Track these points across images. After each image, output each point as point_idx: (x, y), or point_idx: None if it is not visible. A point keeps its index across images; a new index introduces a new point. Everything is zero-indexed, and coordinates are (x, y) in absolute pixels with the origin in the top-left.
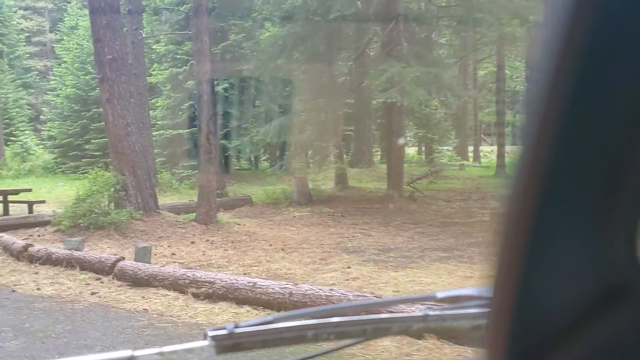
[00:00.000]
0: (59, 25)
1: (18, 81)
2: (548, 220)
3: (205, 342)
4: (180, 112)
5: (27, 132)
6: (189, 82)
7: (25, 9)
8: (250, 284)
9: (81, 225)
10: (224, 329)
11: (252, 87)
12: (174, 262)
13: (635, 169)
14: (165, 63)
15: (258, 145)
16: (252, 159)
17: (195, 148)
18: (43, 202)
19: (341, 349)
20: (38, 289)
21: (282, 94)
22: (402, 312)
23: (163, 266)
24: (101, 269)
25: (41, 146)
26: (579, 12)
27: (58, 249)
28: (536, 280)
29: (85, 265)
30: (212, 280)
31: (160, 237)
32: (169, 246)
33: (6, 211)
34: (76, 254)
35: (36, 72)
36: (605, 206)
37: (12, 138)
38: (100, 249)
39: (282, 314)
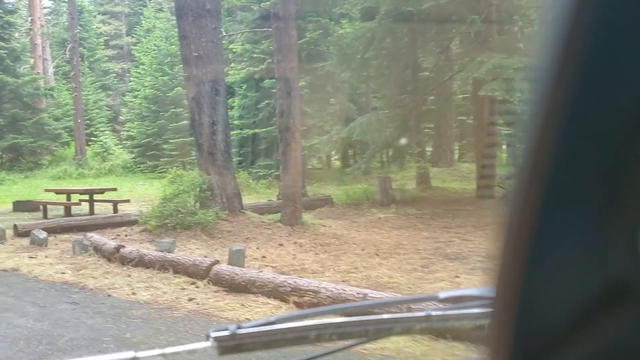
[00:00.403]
0: (136, 28)
1: (97, 83)
2: (551, 219)
3: (208, 343)
4: (257, 112)
5: (106, 132)
6: (265, 81)
7: (104, 13)
8: (360, 295)
9: (168, 225)
10: (226, 329)
11: (328, 85)
12: (266, 265)
13: (639, 168)
14: (242, 62)
15: (337, 144)
16: (323, 158)
17: (271, 147)
18: (127, 201)
19: (344, 349)
20: (133, 293)
21: (360, 91)
22: (405, 312)
23: (261, 271)
24: (195, 273)
25: (120, 146)
26: (579, 10)
27: (150, 251)
28: (539, 280)
29: (178, 269)
30: (316, 289)
31: (247, 239)
32: (257, 248)
33: (92, 210)
34: (169, 256)
35: (114, 75)
36: (608, 205)
37: (92, 138)
38: (189, 250)
39: (284, 314)
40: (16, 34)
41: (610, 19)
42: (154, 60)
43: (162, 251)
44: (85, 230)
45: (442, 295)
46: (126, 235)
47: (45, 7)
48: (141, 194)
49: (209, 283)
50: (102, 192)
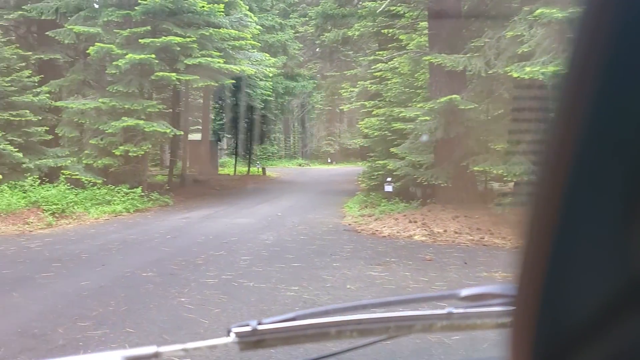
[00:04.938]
0: None
1: None
2: (573, 218)
3: (229, 339)
4: None
5: None
6: None
7: None
8: None
9: None
10: (247, 325)
11: None
12: None
13: None
14: None
15: None
16: None
17: None
18: None
19: (365, 346)
20: None
21: None
22: (425, 309)
23: None
24: None
25: None
26: (601, 16)
27: None
28: (561, 279)
29: None
30: None
31: None
32: None
33: None
34: None
35: None
36: (630, 205)
37: None
38: None
39: (304, 310)
40: None
41: (631, 23)
42: None
43: None
44: None
45: (464, 293)
46: None
47: None
48: None
49: None
50: None
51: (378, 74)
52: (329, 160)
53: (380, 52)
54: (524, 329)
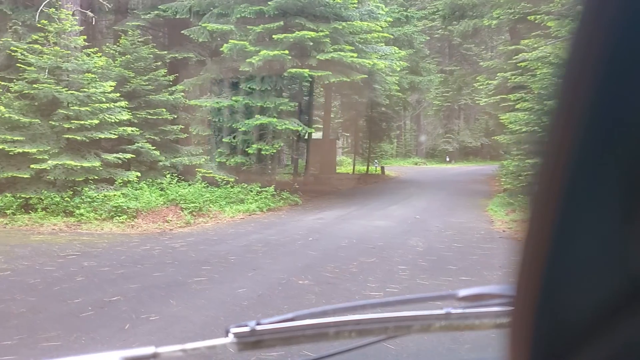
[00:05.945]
0: None
1: None
2: (572, 217)
3: (227, 339)
4: None
5: None
6: None
7: None
8: None
9: None
10: (246, 325)
11: None
12: None
13: None
14: None
15: None
16: None
17: None
18: None
19: (363, 347)
20: None
21: None
22: (424, 310)
23: None
24: None
25: None
26: (600, 11)
27: None
28: (560, 278)
29: None
30: None
31: None
32: None
33: None
34: None
35: None
36: (630, 203)
37: None
38: None
39: (303, 311)
40: None
41: (631, 19)
42: None
43: None
44: None
45: (462, 293)
46: None
47: None
48: None
49: None
50: None
51: (522, 64)
52: (447, 159)
53: (525, 41)
54: (522, 329)
